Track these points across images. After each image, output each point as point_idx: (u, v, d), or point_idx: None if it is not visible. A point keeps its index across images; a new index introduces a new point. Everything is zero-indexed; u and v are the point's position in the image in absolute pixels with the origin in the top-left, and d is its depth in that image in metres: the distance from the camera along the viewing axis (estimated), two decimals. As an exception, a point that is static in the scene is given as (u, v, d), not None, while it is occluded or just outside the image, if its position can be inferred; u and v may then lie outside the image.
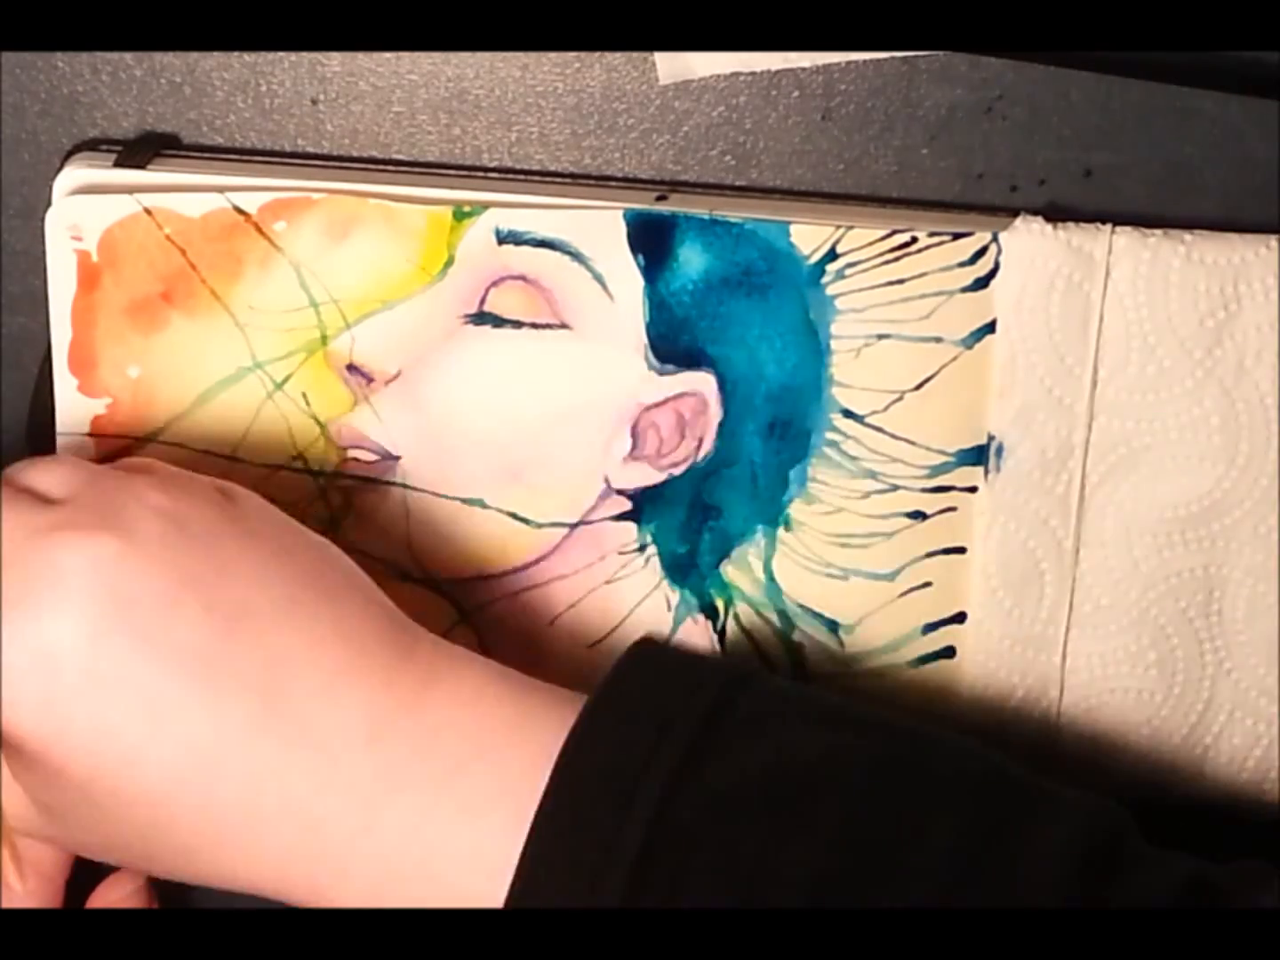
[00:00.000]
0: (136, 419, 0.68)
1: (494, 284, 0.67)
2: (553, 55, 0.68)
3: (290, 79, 0.68)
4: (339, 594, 0.60)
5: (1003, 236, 0.66)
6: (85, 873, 0.71)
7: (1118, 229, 0.66)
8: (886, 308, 0.67)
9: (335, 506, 0.69)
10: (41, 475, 0.61)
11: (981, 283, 0.67)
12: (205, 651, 0.57)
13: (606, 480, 0.68)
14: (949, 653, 0.69)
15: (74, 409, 0.68)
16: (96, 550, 0.57)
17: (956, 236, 0.66)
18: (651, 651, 0.62)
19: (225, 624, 0.57)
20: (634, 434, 0.68)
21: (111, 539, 0.58)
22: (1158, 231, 0.66)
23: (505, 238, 0.66)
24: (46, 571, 0.57)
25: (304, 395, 0.68)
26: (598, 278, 0.66)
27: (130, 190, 0.66)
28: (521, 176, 0.69)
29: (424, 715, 0.58)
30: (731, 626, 0.70)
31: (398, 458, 0.68)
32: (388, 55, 0.68)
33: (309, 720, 0.57)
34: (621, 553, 0.69)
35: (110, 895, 0.71)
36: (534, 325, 0.67)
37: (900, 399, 0.68)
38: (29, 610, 0.57)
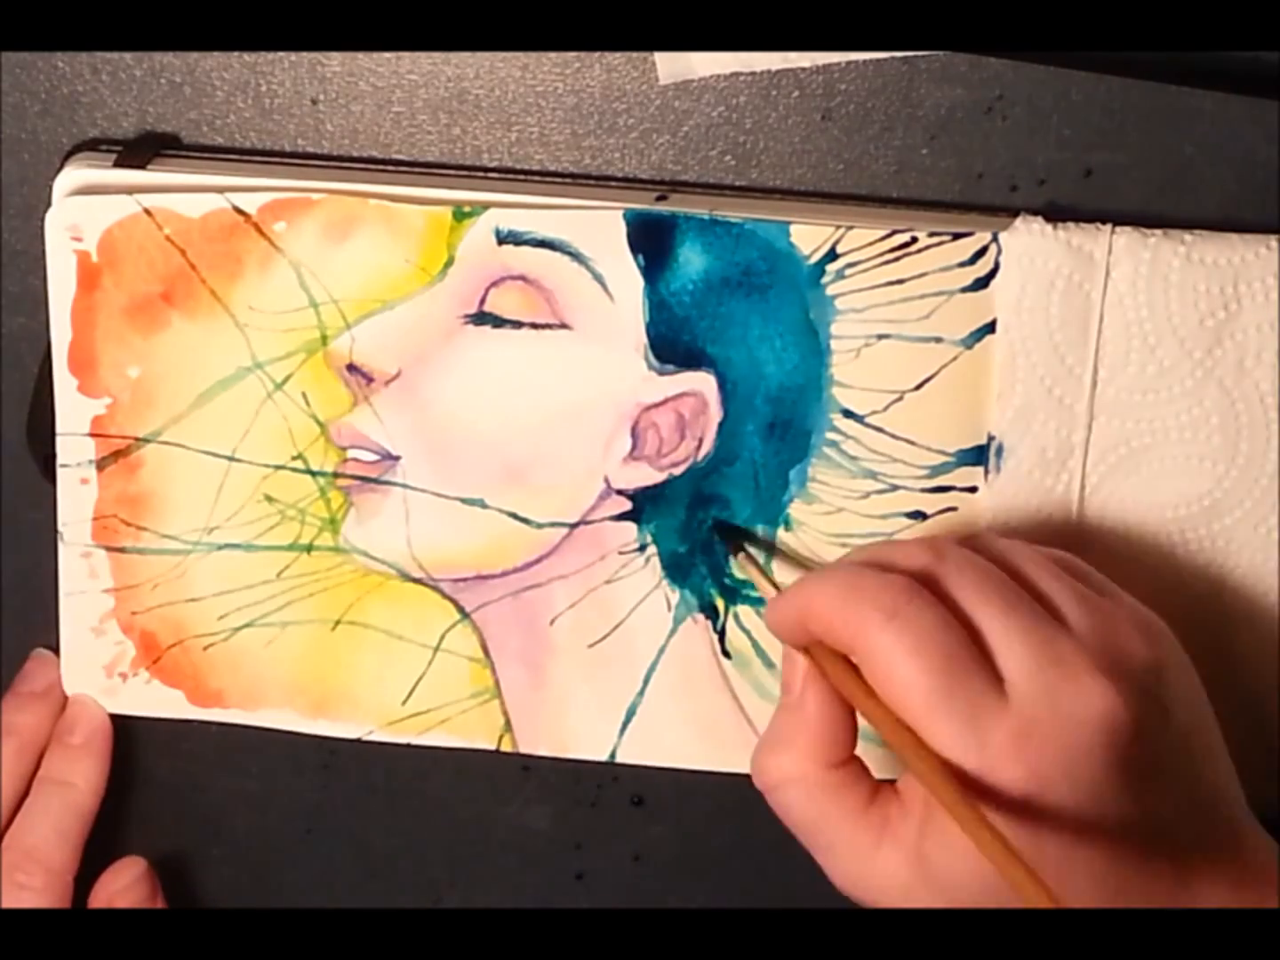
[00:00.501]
0: (136, 419, 0.68)
1: (494, 284, 0.67)
2: (553, 55, 0.68)
3: (290, 79, 0.68)
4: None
5: (1003, 236, 0.66)
6: (90, 869, 0.72)
7: (1118, 229, 0.66)
8: (886, 308, 0.67)
9: (335, 506, 0.69)
10: (1037, 568, 0.61)
11: (981, 283, 0.67)
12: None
13: (606, 480, 0.68)
14: (949, 653, 0.69)
15: (74, 409, 0.68)
16: (1110, 715, 0.57)
17: (956, 236, 0.66)
18: None
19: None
20: (634, 434, 0.68)
21: (1121, 706, 0.57)
22: (1158, 231, 0.66)
23: (505, 238, 0.66)
24: (1063, 721, 0.57)
25: (304, 395, 0.68)
26: (598, 278, 0.66)
27: (130, 190, 0.66)
28: (521, 176, 0.69)
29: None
30: (731, 626, 0.70)
31: (397, 458, 0.68)
32: (388, 55, 0.68)
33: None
34: (621, 553, 0.69)
35: (114, 884, 0.72)
36: (534, 325, 0.67)
37: (900, 399, 0.68)
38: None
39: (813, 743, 0.60)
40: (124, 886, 0.72)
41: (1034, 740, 0.57)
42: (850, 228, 0.66)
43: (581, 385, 0.67)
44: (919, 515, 0.68)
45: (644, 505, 0.69)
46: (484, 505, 0.69)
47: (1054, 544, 0.68)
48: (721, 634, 0.69)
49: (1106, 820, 0.57)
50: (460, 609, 0.70)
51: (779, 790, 0.60)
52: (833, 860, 0.60)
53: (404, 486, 0.68)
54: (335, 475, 0.68)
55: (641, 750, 0.71)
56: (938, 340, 0.67)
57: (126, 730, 0.72)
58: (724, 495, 0.68)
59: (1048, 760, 0.57)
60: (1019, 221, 0.66)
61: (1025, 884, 0.54)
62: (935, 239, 0.66)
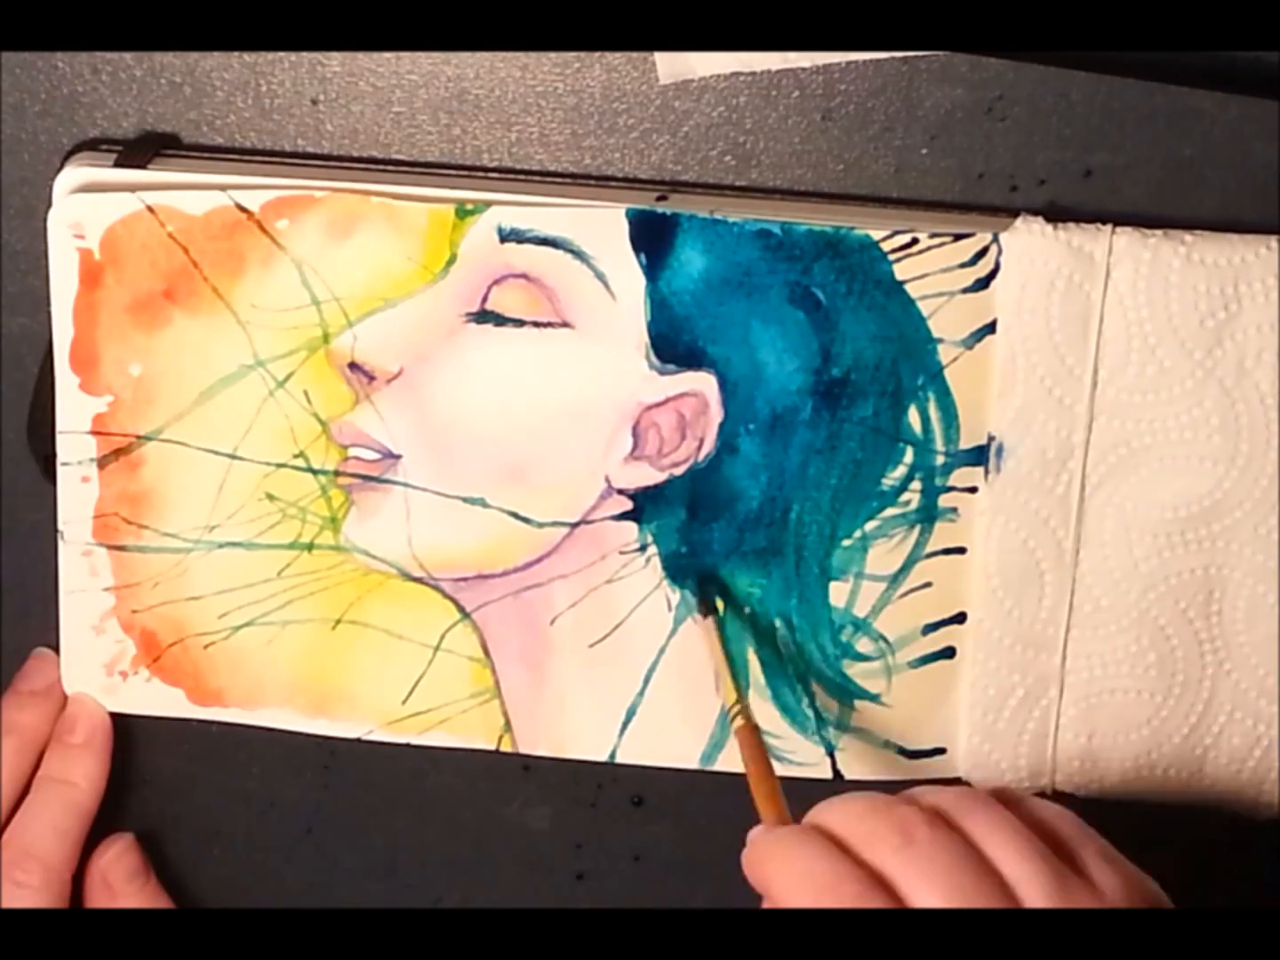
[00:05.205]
0: (138, 417, 0.68)
1: (496, 282, 0.67)
2: (553, 55, 0.68)
3: (290, 79, 0.68)
4: None
5: (1003, 237, 0.66)
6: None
7: (1118, 229, 0.66)
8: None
9: (336, 505, 0.69)
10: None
11: (982, 283, 0.67)
12: None
13: (607, 480, 0.68)
14: (949, 653, 0.70)
15: (75, 407, 0.68)
16: None
17: (957, 237, 0.66)
18: None
19: None
20: (635, 433, 0.68)
21: None
22: (1158, 232, 0.66)
23: (507, 236, 0.66)
24: None
25: (305, 393, 0.68)
26: (600, 276, 0.66)
27: (132, 188, 0.66)
28: (522, 177, 0.69)
29: None
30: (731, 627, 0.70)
31: (399, 456, 0.68)
32: (388, 55, 0.68)
33: None
34: (622, 552, 0.69)
35: (103, 858, 0.72)
36: (535, 324, 0.67)
37: (900, 400, 0.68)
38: None
39: None
40: (114, 855, 0.72)
41: None
42: (850, 228, 0.66)
43: (583, 384, 0.67)
44: (920, 516, 0.68)
45: (645, 505, 0.68)
46: (485, 504, 0.69)
47: (1053, 545, 0.68)
48: (721, 634, 0.69)
49: None
50: (460, 608, 0.70)
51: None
52: None
53: (405, 485, 0.68)
54: (336, 474, 0.68)
55: (641, 750, 0.71)
56: (938, 340, 0.67)
57: (126, 729, 0.72)
58: (724, 496, 0.68)
59: None
60: (1019, 222, 0.66)
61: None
62: (936, 239, 0.66)
